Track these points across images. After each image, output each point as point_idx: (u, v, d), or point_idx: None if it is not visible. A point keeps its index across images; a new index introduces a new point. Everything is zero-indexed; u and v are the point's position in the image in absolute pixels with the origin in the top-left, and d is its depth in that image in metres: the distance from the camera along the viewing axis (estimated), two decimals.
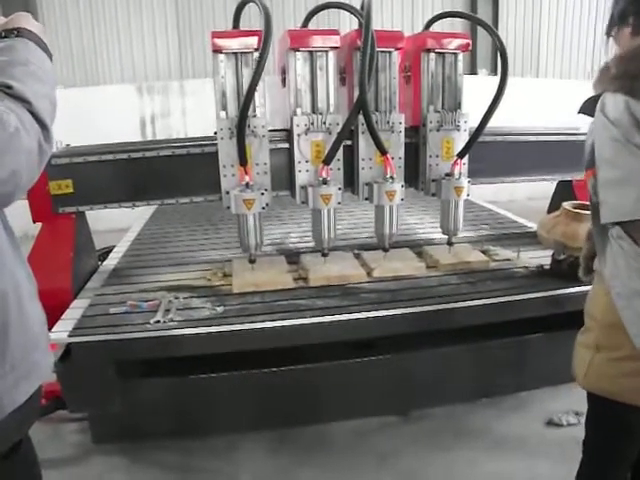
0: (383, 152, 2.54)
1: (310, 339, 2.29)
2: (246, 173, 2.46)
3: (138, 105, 6.87)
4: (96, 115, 6.24)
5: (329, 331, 2.29)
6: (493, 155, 3.03)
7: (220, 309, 2.36)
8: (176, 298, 2.47)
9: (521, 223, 3.88)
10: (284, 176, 2.72)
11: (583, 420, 1.64)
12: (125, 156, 2.60)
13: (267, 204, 2.57)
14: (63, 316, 2.34)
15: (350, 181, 2.77)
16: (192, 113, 6.87)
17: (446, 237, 2.94)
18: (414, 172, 2.87)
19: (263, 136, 2.55)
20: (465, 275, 2.73)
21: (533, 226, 3.75)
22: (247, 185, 2.47)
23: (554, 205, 3.61)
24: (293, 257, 3.00)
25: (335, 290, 2.56)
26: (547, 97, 6.93)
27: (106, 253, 3.39)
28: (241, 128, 2.36)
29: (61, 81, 7.17)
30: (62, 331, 2.19)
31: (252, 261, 2.65)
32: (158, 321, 2.23)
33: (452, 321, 2.44)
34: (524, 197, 6.91)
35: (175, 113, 7.00)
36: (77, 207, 2.66)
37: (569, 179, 3.46)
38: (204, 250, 3.29)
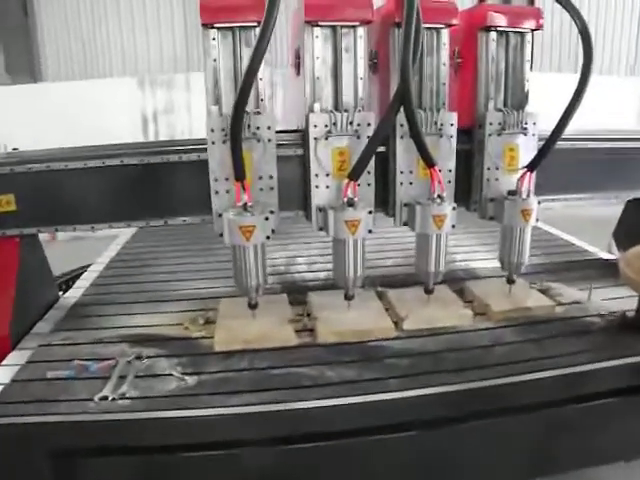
0: (430, 164, 1.88)
1: (315, 427, 1.63)
2: (244, 190, 1.81)
3: (139, 100, 6.28)
4: (93, 111, 5.66)
5: (342, 418, 1.63)
6: (554, 165, 2.31)
7: (192, 380, 1.70)
8: (138, 358, 1.82)
9: (578, 246, 3.18)
10: (297, 193, 2.06)
11: None
12: (80, 165, 1.96)
13: (273, 231, 1.92)
14: None
15: (383, 199, 2.11)
16: (199, 109, 6.26)
17: (491, 265, 2.36)
18: (465, 188, 2.20)
19: (269, 140, 1.91)
20: (526, 328, 2.05)
21: (593, 250, 3.07)
22: (245, 207, 1.82)
23: (627, 228, 2.93)
24: (298, 294, 2.32)
25: (352, 351, 1.88)
26: (587, 95, 6.19)
27: (75, 278, 2.77)
28: (236, 128, 1.71)
29: (57, 74, 6.64)
30: None
31: (253, 306, 2.00)
32: (105, 397, 1.59)
33: (517, 399, 1.76)
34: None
35: (180, 109, 6.39)
36: (21, 229, 2.03)
37: None
38: (190, 280, 2.61)
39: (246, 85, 1.67)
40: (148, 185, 2.02)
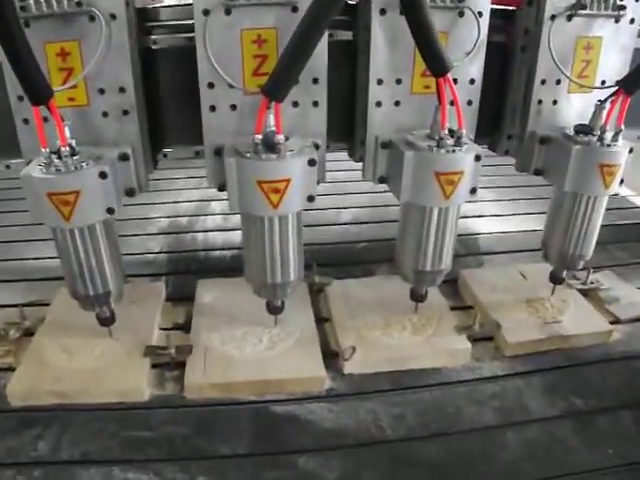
0: (440, 68, 0.93)
1: None
2: (55, 119, 0.89)
3: None
4: None
5: None
6: None
7: None
8: None
9: (630, 200, 2.19)
10: (187, 117, 1.13)
11: None
12: None
13: (131, 191, 1.03)
14: None
15: (347, 130, 1.19)
16: None
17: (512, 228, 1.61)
18: (495, 115, 1.26)
19: (113, 17, 0.95)
20: (561, 380, 1.18)
21: None
22: (59, 154, 0.91)
23: None
24: (190, 276, 1.45)
25: (241, 425, 1.04)
26: None
27: None
28: None
29: None
30: None
31: (103, 322, 1.13)
32: None
33: None
34: None
35: None
36: None
37: None
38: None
39: None
40: None
